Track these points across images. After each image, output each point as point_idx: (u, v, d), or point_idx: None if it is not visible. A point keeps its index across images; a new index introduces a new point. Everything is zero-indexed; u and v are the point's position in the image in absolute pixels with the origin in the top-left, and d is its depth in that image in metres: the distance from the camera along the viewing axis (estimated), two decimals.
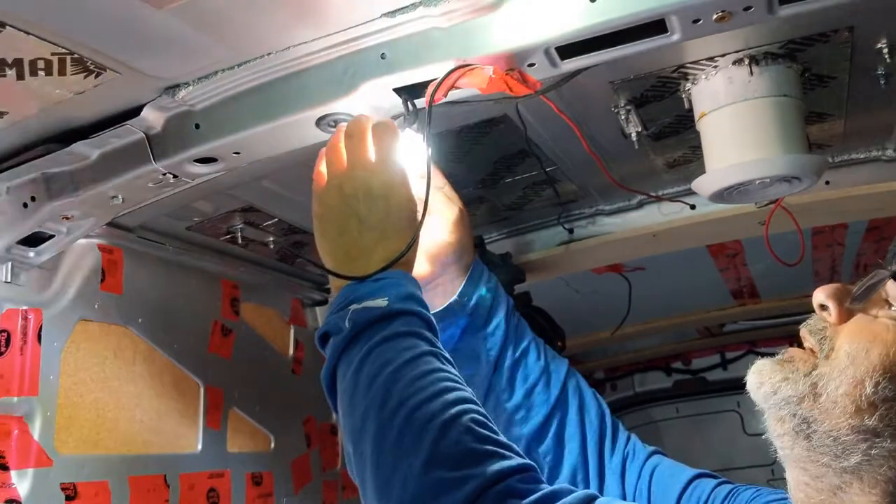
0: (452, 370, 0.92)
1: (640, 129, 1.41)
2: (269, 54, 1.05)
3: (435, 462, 0.79)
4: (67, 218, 1.27)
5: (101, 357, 1.42)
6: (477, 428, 0.83)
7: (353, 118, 1.07)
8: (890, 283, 0.88)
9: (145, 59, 1.02)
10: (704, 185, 1.27)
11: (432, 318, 0.98)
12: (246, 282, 1.81)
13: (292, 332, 1.98)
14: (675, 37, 1.00)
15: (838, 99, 1.39)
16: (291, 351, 1.98)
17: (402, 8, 1.00)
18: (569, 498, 0.77)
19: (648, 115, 1.40)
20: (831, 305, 0.91)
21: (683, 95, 1.30)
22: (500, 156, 1.52)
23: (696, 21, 0.97)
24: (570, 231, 1.92)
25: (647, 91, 1.31)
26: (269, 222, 1.59)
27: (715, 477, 1.21)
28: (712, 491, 1.17)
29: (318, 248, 1.03)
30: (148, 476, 1.50)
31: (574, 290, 2.33)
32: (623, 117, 1.36)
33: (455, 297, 1.24)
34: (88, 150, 1.17)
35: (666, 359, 3.92)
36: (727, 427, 3.79)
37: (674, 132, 1.48)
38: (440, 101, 1.08)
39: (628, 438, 1.30)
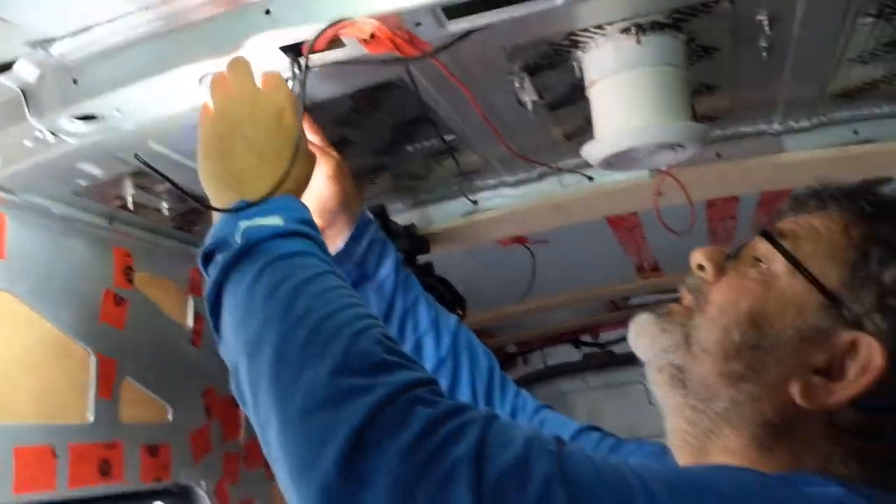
0: (356, 292, 0.92)
1: (535, 98, 1.42)
2: (146, 8, 1.02)
3: (345, 369, 0.78)
4: None
5: None
6: (386, 341, 0.83)
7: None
8: (759, 241, 0.93)
9: (14, 9, 0.98)
10: (593, 151, 1.29)
11: (326, 245, 0.98)
12: (140, 250, 1.76)
13: (191, 302, 1.94)
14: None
15: (725, 71, 1.43)
16: (190, 322, 1.94)
17: None
18: (475, 412, 0.77)
19: (544, 84, 1.41)
20: (707, 264, 0.96)
21: (575, 63, 1.32)
22: (397, 122, 1.51)
23: None
24: (475, 202, 1.94)
25: (541, 58, 1.32)
26: (162, 188, 1.56)
27: (601, 430, 1.25)
28: (599, 443, 1.21)
29: (200, 172, 1.02)
30: (34, 446, 1.45)
31: (481, 262, 2.35)
32: (517, 84, 1.37)
33: (341, 246, 1.24)
34: None
35: (575, 332, 4.00)
36: (634, 398, 3.88)
37: (569, 101, 1.50)
38: (329, 62, 1.08)
39: (517, 392, 1.33)
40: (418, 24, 1.04)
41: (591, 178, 1.84)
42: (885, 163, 1.71)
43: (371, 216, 1.29)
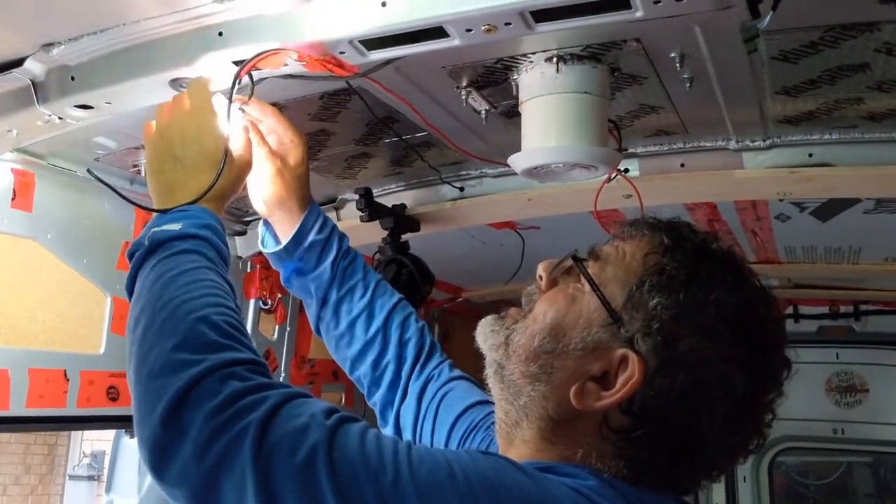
0: (223, 284, 1.11)
1: (487, 108, 1.60)
2: (123, 25, 1.25)
3: (182, 346, 0.97)
4: None
5: (7, 264, 1.66)
6: (225, 326, 1.01)
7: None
8: (571, 262, 1.09)
9: (22, 21, 1.23)
10: (517, 162, 1.46)
11: (223, 245, 1.19)
12: None
13: None
14: (457, 41, 1.20)
15: (659, 95, 1.56)
16: None
17: None
18: (278, 390, 0.94)
19: (492, 97, 1.58)
20: (544, 276, 1.12)
21: (512, 83, 1.48)
22: (369, 119, 1.70)
23: (468, 30, 1.17)
24: (461, 189, 2.12)
25: (480, 77, 1.49)
26: None
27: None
28: (486, 416, 1.38)
29: (147, 181, 1.27)
30: (47, 369, 1.75)
31: (480, 241, 2.53)
32: (464, 97, 1.54)
33: (283, 244, 1.48)
34: None
35: None
36: None
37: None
38: (275, 75, 1.30)
39: (439, 363, 1.52)
40: (342, 53, 1.23)
41: None
42: (832, 185, 1.82)
43: (317, 220, 1.50)
